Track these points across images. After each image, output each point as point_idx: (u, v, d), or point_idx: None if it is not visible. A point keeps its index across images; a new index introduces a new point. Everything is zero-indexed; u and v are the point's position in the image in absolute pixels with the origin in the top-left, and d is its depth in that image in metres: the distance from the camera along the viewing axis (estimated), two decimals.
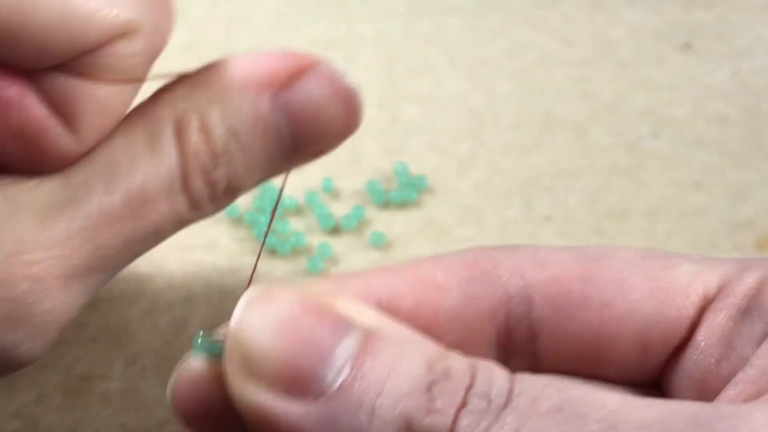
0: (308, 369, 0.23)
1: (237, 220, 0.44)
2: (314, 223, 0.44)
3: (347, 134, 0.29)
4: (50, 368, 0.38)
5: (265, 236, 0.29)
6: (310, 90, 0.28)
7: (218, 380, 0.26)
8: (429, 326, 0.26)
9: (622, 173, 0.46)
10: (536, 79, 0.51)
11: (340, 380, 0.22)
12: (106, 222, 0.27)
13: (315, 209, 0.44)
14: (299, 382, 0.23)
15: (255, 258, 0.42)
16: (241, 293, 0.24)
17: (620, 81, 0.51)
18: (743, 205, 0.45)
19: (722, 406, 0.22)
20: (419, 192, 0.45)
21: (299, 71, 0.28)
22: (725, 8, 0.55)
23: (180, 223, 0.29)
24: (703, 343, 0.26)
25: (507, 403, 0.22)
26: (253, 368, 0.23)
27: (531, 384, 0.23)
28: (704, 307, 0.26)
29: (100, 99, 0.27)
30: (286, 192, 0.45)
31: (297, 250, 0.43)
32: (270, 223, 0.29)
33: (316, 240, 0.43)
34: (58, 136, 0.27)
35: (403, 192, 0.45)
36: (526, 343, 0.27)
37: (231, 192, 0.29)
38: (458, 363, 0.23)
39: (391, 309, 0.26)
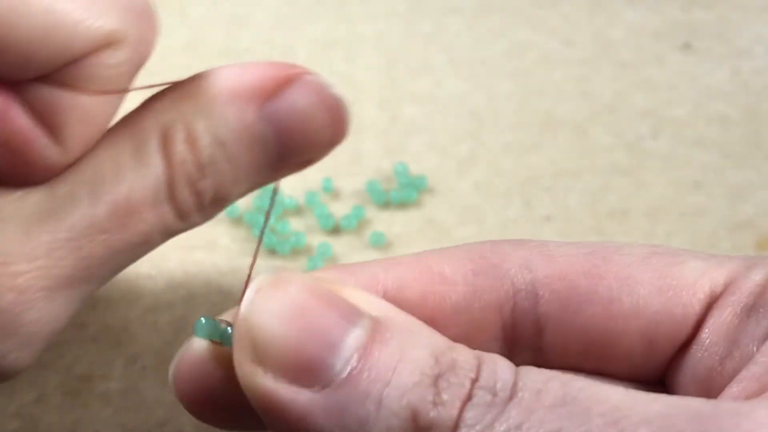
0: (316, 357, 0.23)
1: (237, 220, 0.44)
2: (314, 223, 0.44)
3: (334, 144, 0.29)
4: (50, 368, 0.38)
5: (259, 242, 0.29)
6: (297, 100, 0.28)
7: (220, 364, 0.26)
8: (434, 318, 0.26)
9: (622, 173, 0.46)
10: (536, 79, 0.51)
11: (348, 370, 0.23)
12: (91, 233, 0.27)
13: (315, 209, 0.44)
14: (307, 370, 0.23)
15: (257, 258, 0.43)
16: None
17: (620, 81, 0.51)
18: (743, 205, 0.45)
19: (725, 403, 0.22)
20: (419, 192, 0.45)
21: (285, 81, 0.28)
22: (725, 8, 0.55)
23: (167, 234, 0.29)
24: (708, 341, 0.26)
25: (511, 396, 0.22)
26: (261, 355, 0.23)
27: (535, 377, 0.23)
28: (710, 305, 0.26)
29: (84, 109, 0.27)
30: (286, 192, 0.45)
31: (297, 250, 0.43)
32: (262, 231, 0.29)
33: (316, 240, 0.43)
34: (43, 147, 0.27)
35: (403, 192, 0.45)
36: (531, 337, 0.27)
37: (218, 202, 0.29)
38: (464, 355, 0.23)
39: (396, 300, 0.26)
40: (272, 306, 0.23)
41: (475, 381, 0.22)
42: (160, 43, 0.55)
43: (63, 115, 0.27)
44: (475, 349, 0.24)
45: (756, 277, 0.26)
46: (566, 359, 0.27)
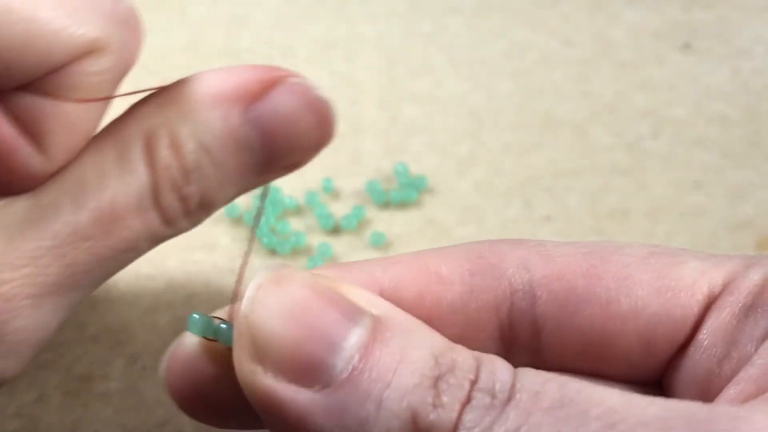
0: (317, 357, 0.23)
1: (237, 220, 0.44)
2: (314, 223, 0.44)
3: (321, 146, 0.29)
4: (50, 368, 0.38)
5: (250, 243, 0.28)
6: (281, 103, 0.28)
7: (213, 360, 0.26)
8: (431, 318, 0.26)
9: (622, 173, 0.46)
10: (536, 79, 0.51)
11: (349, 370, 0.23)
12: (75, 240, 0.27)
13: (315, 209, 0.44)
14: (308, 369, 0.23)
15: (256, 258, 0.42)
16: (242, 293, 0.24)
17: (620, 81, 0.51)
18: (743, 205, 0.45)
19: (721, 407, 0.22)
20: (419, 192, 0.45)
21: (270, 84, 0.28)
22: (725, 8, 0.55)
23: (154, 240, 0.28)
24: (706, 342, 0.26)
25: (510, 398, 0.22)
26: (261, 353, 0.23)
27: (533, 378, 0.23)
28: (709, 305, 0.26)
29: (68, 118, 0.27)
30: (286, 192, 0.45)
31: (297, 250, 0.43)
32: (252, 233, 0.29)
33: (316, 240, 0.43)
34: (26, 155, 0.27)
35: (403, 192, 0.45)
36: (529, 337, 0.27)
37: (205, 207, 0.29)
38: (463, 356, 0.23)
39: (393, 299, 0.26)
40: (273, 304, 0.23)
41: (474, 383, 0.22)
42: (160, 43, 0.55)
43: (46, 124, 0.27)
44: (472, 349, 0.24)
45: (754, 277, 0.26)
46: (564, 360, 0.27)
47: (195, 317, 0.26)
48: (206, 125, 0.28)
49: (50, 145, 0.27)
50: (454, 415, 0.22)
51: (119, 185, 0.27)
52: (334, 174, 0.46)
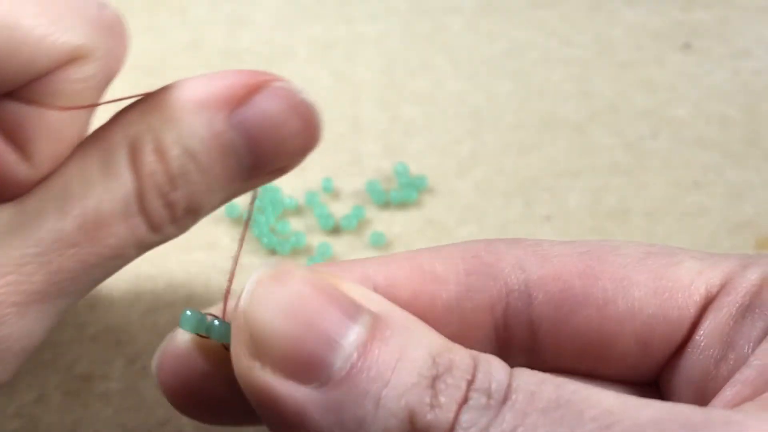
0: (316, 354, 0.23)
1: (237, 220, 0.44)
2: (314, 223, 0.44)
3: (307, 150, 0.29)
4: (50, 368, 0.38)
5: (240, 244, 0.28)
6: (266, 107, 0.28)
7: (205, 357, 0.26)
8: (425, 317, 0.25)
9: (622, 173, 0.46)
10: (536, 79, 0.51)
11: (347, 368, 0.23)
12: (60, 247, 0.27)
13: (315, 209, 0.44)
14: (306, 366, 0.23)
15: (256, 258, 0.43)
16: (242, 293, 0.24)
17: (620, 81, 0.51)
18: (743, 205, 0.45)
19: (716, 411, 0.22)
20: (419, 192, 0.45)
21: (254, 88, 0.28)
22: (725, 8, 0.55)
23: (142, 246, 0.28)
24: (703, 343, 0.26)
25: (506, 398, 0.22)
26: (259, 349, 0.23)
27: (529, 378, 0.23)
28: (706, 306, 0.26)
29: (53, 125, 0.27)
30: (286, 192, 0.45)
31: (297, 250, 0.43)
32: (242, 237, 0.29)
33: (316, 240, 0.43)
34: (11, 164, 0.27)
35: (403, 192, 0.45)
36: (524, 338, 0.27)
37: (192, 213, 0.29)
38: (461, 356, 0.23)
39: (387, 298, 0.26)
40: (272, 299, 0.23)
41: (471, 382, 0.22)
42: (160, 43, 0.55)
43: (31, 132, 0.27)
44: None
45: (752, 277, 0.26)
46: (560, 360, 0.27)
47: (188, 314, 0.26)
48: (191, 131, 0.27)
49: (35, 152, 0.27)
50: (451, 415, 0.22)
51: (104, 192, 0.27)
52: (334, 174, 0.46)
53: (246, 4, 0.55)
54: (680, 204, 0.45)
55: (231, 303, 0.27)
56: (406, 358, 0.23)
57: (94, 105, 0.28)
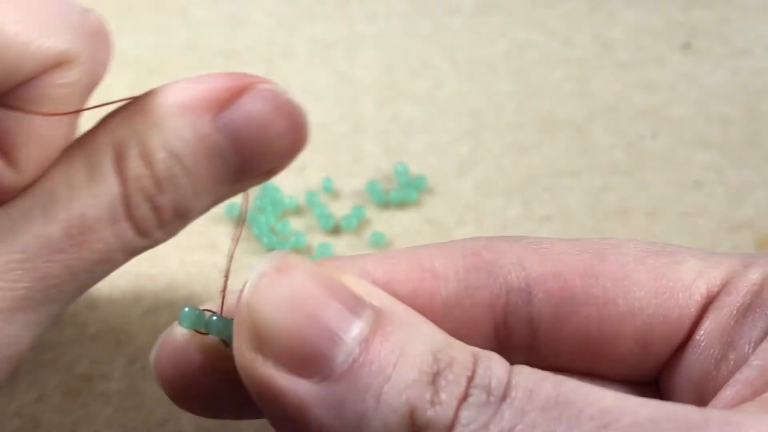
0: (318, 348, 0.23)
1: (237, 220, 0.44)
2: (314, 223, 0.44)
3: (295, 151, 0.29)
4: (50, 368, 0.38)
5: (234, 245, 0.28)
6: (251, 108, 0.28)
7: (203, 353, 0.26)
8: (424, 314, 0.25)
9: (622, 173, 0.46)
10: (536, 79, 0.51)
11: (349, 362, 0.23)
12: (46, 253, 0.27)
13: (315, 209, 0.44)
14: (308, 360, 0.23)
15: (256, 258, 0.42)
16: (245, 285, 0.24)
17: (620, 81, 0.51)
18: (743, 205, 0.45)
19: (715, 411, 0.22)
20: (419, 192, 0.45)
21: (239, 91, 0.28)
22: (725, 8, 0.55)
23: (130, 252, 0.28)
24: (703, 343, 0.26)
25: (505, 395, 0.22)
26: (262, 342, 0.23)
27: (528, 376, 0.23)
28: (707, 306, 0.26)
29: (38, 131, 0.27)
30: (286, 192, 0.45)
31: (297, 250, 0.43)
32: (237, 238, 0.29)
33: (316, 240, 0.43)
34: None
35: (403, 192, 0.45)
36: (524, 336, 0.27)
37: (180, 217, 0.29)
38: (461, 352, 0.23)
39: None
40: (275, 293, 0.23)
41: (470, 379, 0.22)
42: (160, 43, 0.55)
43: (15, 137, 0.27)
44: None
45: (753, 276, 0.26)
46: (559, 359, 0.27)
47: (186, 311, 0.26)
48: (176, 134, 0.27)
49: (20, 158, 0.27)
50: (451, 412, 0.22)
51: (90, 197, 0.27)
52: (334, 174, 0.46)
53: (246, 4, 0.55)
54: (680, 204, 0.45)
55: (228, 300, 0.27)
56: (407, 353, 0.23)
57: (79, 110, 0.28)
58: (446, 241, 0.28)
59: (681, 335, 0.26)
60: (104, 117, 0.29)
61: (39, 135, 0.27)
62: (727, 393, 0.24)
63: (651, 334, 0.26)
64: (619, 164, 0.47)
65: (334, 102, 0.49)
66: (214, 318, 0.26)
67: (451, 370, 0.23)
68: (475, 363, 0.23)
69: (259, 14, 0.55)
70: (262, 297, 0.23)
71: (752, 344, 0.25)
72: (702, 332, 0.26)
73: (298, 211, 0.45)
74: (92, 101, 0.28)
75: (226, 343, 0.26)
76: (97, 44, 0.28)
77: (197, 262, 0.42)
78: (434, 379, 0.22)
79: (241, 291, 0.24)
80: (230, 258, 0.28)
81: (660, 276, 0.27)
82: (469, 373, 0.23)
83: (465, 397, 0.22)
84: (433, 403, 0.22)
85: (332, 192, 0.45)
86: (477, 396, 0.22)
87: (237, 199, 0.44)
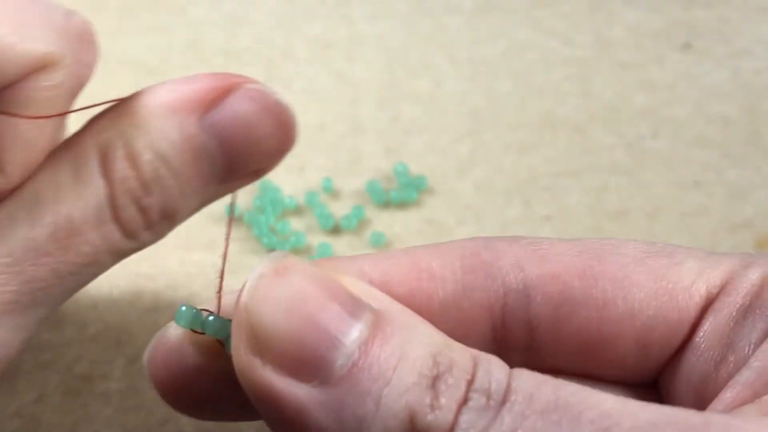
0: (317, 352, 0.23)
1: (237, 220, 0.44)
2: (314, 223, 0.44)
3: (283, 151, 0.29)
4: (50, 368, 0.38)
5: (225, 255, 0.28)
6: (237, 108, 0.28)
7: (199, 352, 0.26)
8: (421, 315, 0.25)
9: (622, 173, 0.46)
10: (536, 79, 0.51)
11: (348, 366, 0.22)
12: (33, 256, 0.27)
13: (315, 209, 0.44)
14: (307, 364, 0.23)
15: (256, 258, 0.42)
16: (243, 287, 0.24)
17: (620, 81, 0.51)
18: (743, 205, 0.45)
19: (715, 415, 0.22)
20: (419, 192, 0.45)
21: (225, 91, 0.28)
22: (725, 8, 0.55)
23: (118, 254, 0.28)
24: (703, 345, 0.26)
25: (505, 399, 0.22)
26: (260, 345, 0.23)
27: (528, 379, 0.23)
28: (706, 307, 0.26)
29: (23, 134, 0.27)
30: (286, 192, 0.45)
31: (297, 250, 0.43)
32: (228, 238, 0.29)
33: (316, 240, 0.43)
34: None
35: (403, 192, 0.45)
36: (522, 337, 0.27)
37: (168, 218, 0.28)
38: (461, 355, 0.23)
39: None
40: (274, 295, 0.23)
41: (470, 383, 0.22)
42: (160, 43, 0.55)
43: (0, 141, 0.27)
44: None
45: (753, 277, 0.26)
46: (557, 360, 0.27)
47: (183, 309, 0.26)
48: (163, 135, 0.27)
49: (6, 162, 0.27)
50: (451, 416, 0.22)
51: (76, 199, 0.27)
52: (334, 174, 0.46)
53: (246, 4, 0.55)
54: (680, 204, 0.45)
55: (227, 299, 0.27)
56: (407, 356, 0.23)
57: (64, 113, 0.28)
58: (444, 242, 0.28)
59: (680, 337, 0.26)
60: (90, 119, 0.28)
61: (24, 138, 0.27)
62: (727, 395, 0.24)
63: (650, 336, 0.26)
64: (619, 164, 0.47)
65: (334, 102, 0.49)
66: (211, 318, 0.26)
67: (451, 374, 0.22)
68: (475, 366, 0.23)
69: (259, 14, 0.55)
70: (260, 299, 0.23)
71: (752, 346, 0.25)
72: (701, 334, 0.26)
73: (298, 211, 0.45)
74: (90, 102, 0.28)
75: (222, 343, 0.26)
76: (82, 46, 0.28)
77: (197, 262, 0.42)
78: (434, 382, 0.22)
79: (240, 292, 0.24)
80: (224, 259, 0.28)
81: (659, 277, 0.26)
82: (468, 377, 0.22)
83: (465, 401, 0.22)
84: (432, 408, 0.22)
85: (332, 192, 0.45)
86: (477, 400, 0.22)
87: (237, 199, 0.44)
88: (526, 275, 0.27)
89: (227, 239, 0.28)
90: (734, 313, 0.26)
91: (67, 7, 0.28)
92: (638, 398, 0.23)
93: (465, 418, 0.22)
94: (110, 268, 0.29)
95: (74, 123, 0.29)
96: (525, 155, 0.47)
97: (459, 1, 0.56)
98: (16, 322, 0.27)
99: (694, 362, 0.26)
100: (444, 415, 0.22)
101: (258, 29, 0.54)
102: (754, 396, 0.23)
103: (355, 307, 0.23)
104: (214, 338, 0.26)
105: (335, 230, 0.44)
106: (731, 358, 0.25)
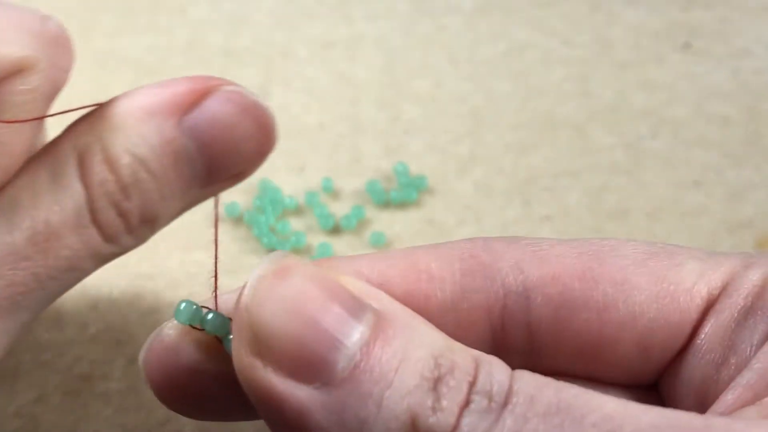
0: (318, 354, 0.22)
1: (237, 220, 0.44)
2: (314, 223, 0.44)
3: (264, 153, 0.28)
4: (50, 368, 0.38)
5: (216, 248, 0.28)
6: (216, 110, 0.27)
7: (199, 350, 0.26)
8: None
9: (622, 173, 0.46)
10: (536, 79, 0.51)
11: (350, 368, 0.22)
12: (11, 261, 0.27)
13: (315, 209, 0.44)
14: (308, 366, 0.22)
15: (256, 258, 0.42)
16: (244, 287, 0.24)
17: (620, 81, 0.51)
18: (743, 205, 0.45)
19: (717, 418, 0.22)
20: (419, 192, 0.45)
21: (203, 93, 0.27)
22: (725, 8, 0.55)
23: (99, 259, 0.28)
24: (704, 347, 0.26)
25: (506, 401, 0.22)
26: (261, 347, 0.23)
27: (529, 382, 0.22)
28: (708, 309, 0.26)
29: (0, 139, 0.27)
30: (286, 192, 0.45)
31: (297, 250, 0.43)
32: (216, 239, 0.29)
33: (316, 240, 0.43)
34: None
35: (403, 192, 0.45)
36: (522, 340, 0.27)
37: (149, 222, 0.28)
38: (463, 357, 0.23)
39: None
40: (275, 296, 0.23)
41: (472, 385, 0.22)
42: (160, 43, 0.55)
43: None
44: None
45: (753, 277, 0.26)
46: (558, 363, 0.27)
47: (182, 305, 0.26)
48: (141, 138, 0.27)
49: None
50: (453, 419, 0.22)
51: (54, 203, 0.27)
52: (334, 174, 0.46)
53: (246, 4, 0.55)
54: (680, 204, 0.45)
55: (227, 298, 0.27)
56: (408, 358, 0.22)
57: (40, 117, 0.27)
58: (443, 243, 0.28)
59: (682, 339, 0.26)
60: (70, 124, 0.28)
61: (1, 143, 0.27)
62: (728, 397, 0.24)
63: (651, 339, 0.26)
64: (619, 164, 0.47)
65: (334, 102, 0.49)
66: (211, 315, 0.26)
67: (453, 376, 0.22)
68: (477, 368, 0.23)
69: (259, 14, 0.55)
70: (261, 300, 0.23)
71: (753, 347, 0.25)
72: (703, 336, 0.26)
73: (298, 211, 0.45)
74: (83, 105, 0.28)
75: (221, 340, 0.26)
76: (58, 50, 0.27)
77: (197, 262, 0.42)
78: (436, 384, 0.22)
79: (240, 293, 0.24)
80: (216, 260, 0.28)
81: (660, 279, 0.26)
82: (470, 379, 0.22)
83: (466, 404, 0.22)
84: (434, 410, 0.22)
85: (332, 192, 0.45)
86: (478, 402, 0.22)
87: (237, 199, 0.44)
88: (526, 277, 0.27)
89: (216, 242, 0.28)
90: (735, 315, 0.26)
91: (42, 12, 0.28)
92: (639, 400, 0.23)
93: (467, 421, 0.22)
94: (93, 273, 0.29)
95: (52, 127, 0.29)
96: (525, 155, 0.47)
97: (459, 1, 0.56)
98: None
99: (696, 364, 0.26)
100: (446, 417, 0.22)
101: (258, 29, 0.54)
102: (756, 398, 0.23)
103: (356, 307, 0.23)
104: (212, 336, 0.26)
105: (335, 230, 0.44)
106: (732, 360, 0.25)
